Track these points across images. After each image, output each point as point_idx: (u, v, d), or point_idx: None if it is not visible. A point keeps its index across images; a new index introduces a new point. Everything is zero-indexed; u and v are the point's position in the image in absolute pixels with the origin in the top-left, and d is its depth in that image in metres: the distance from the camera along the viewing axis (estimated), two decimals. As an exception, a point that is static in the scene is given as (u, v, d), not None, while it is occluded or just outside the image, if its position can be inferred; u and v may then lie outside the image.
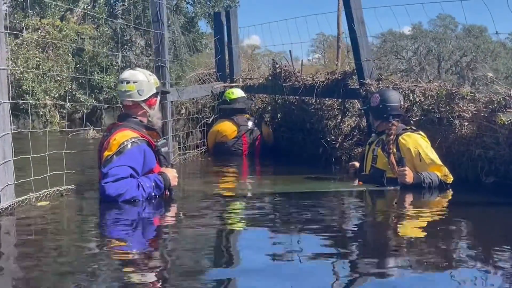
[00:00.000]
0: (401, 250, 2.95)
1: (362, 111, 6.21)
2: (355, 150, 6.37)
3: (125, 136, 3.91)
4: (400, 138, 4.57)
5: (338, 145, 6.44)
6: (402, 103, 4.80)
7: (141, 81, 4.15)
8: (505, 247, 3.00)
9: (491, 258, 2.76)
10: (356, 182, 4.88)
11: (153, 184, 3.92)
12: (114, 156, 3.83)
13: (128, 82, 4.14)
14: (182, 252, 2.87)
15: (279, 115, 7.51)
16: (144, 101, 4.15)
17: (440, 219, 3.76)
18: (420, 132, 4.64)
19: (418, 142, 4.53)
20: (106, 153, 3.88)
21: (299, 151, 6.90)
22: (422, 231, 3.40)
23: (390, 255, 2.87)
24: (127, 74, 4.22)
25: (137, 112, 4.16)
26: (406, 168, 4.44)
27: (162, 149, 4.14)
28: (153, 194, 3.92)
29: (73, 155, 4.78)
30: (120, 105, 4.36)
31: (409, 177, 4.41)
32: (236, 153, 7.06)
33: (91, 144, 9.25)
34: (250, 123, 7.16)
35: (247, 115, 7.28)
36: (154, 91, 4.21)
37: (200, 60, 11.20)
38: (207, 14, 22.11)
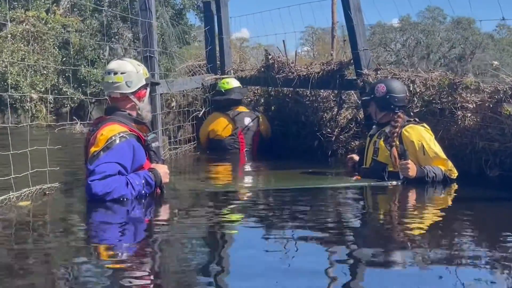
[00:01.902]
0: (402, 248, 2.81)
1: (359, 102, 6.01)
2: (352, 143, 6.18)
3: (112, 130, 3.66)
4: (403, 130, 4.37)
5: (334, 138, 6.23)
6: (407, 93, 4.60)
7: (129, 72, 3.89)
8: (511, 243, 2.89)
9: (497, 255, 2.62)
10: (354, 177, 4.65)
11: (143, 181, 3.68)
12: (101, 152, 3.58)
13: (115, 73, 3.88)
14: (173, 254, 2.70)
15: (272, 107, 7.27)
16: (133, 93, 3.89)
17: (443, 215, 3.58)
18: (424, 124, 4.44)
19: (422, 135, 4.33)
20: (92, 149, 3.62)
21: (293, 144, 6.66)
22: (424, 227, 3.23)
23: (391, 253, 2.72)
24: (114, 64, 3.97)
25: (126, 105, 3.91)
26: (409, 161, 4.24)
27: (153, 144, 3.88)
28: (143, 192, 3.68)
29: (58, 151, 4.53)
30: (107, 98, 4.09)
31: (412, 170, 4.21)
32: (233, 151, 6.73)
33: (78, 139, 8.96)
34: (247, 120, 6.79)
35: (244, 107, 6.95)
36: (144, 82, 3.95)
37: (191, 52, 10.92)
38: (195, 5, 21.79)
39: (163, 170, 3.85)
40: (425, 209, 3.76)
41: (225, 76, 7.45)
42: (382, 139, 4.44)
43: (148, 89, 4.06)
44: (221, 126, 6.77)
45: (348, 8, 5.57)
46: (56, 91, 15.77)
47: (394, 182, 4.27)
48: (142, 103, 3.97)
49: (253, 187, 4.70)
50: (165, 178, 3.85)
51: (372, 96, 4.57)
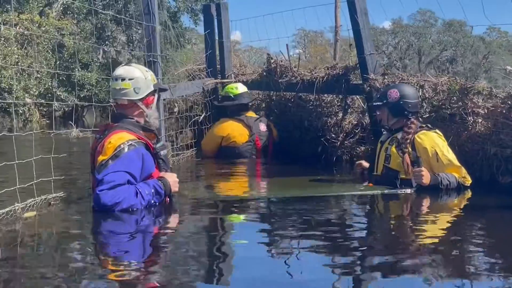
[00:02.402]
0: (412, 258, 2.71)
1: (365, 107, 5.93)
2: (357, 148, 6.08)
3: (121, 138, 3.54)
4: (416, 136, 4.29)
5: (338, 143, 6.14)
6: (419, 99, 4.52)
7: (137, 78, 3.77)
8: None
9: (509, 266, 2.57)
10: (365, 184, 4.57)
11: (153, 190, 3.56)
12: (110, 160, 3.46)
13: (123, 80, 3.76)
14: (180, 265, 2.61)
15: (274, 112, 7.16)
16: (141, 99, 3.78)
17: (455, 225, 3.51)
18: (437, 131, 4.36)
19: (435, 141, 4.24)
20: (100, 158, 3.50)
21: (296, 150, 6.56)
22: (435, 238, 3.16)
23: (401, 264, 2.61)
24: (121, 70, 3.84)
25: (133, 112, 3.79)
26: (423, 168, 4.15)
27: (161, 152, 3.76)
28: (152, 201, 3.56)
29: (57, 158, 4.40)
30: (113, 105, 3.97)
31: (426, 178, 4.12)
32: (249, 158, 6.45)
33: (75, 144, 8.84)
34: (262, 125, 6.60)
35: (252, 113, 6.79)
36: (152, 88, 3.84)
37: (186, 55, 10.80)
38: (189, 8, 21.69)
39: (172, 179, 3.74)
40: (436, 219, 3.68)
41: (227, 81, 7.33)
42: (394, 146, 4.35)
43: (156, 96, 3.95)
44: (237, 132, 6.53)
45: (355, 12, 5.48)
46: (49, 95, 15.60)
47: (408, 190, 4.18)
48: (150, 110, 3.85)
49: (270, 195, 4.56)
50: (174, 187, 3.74)
51: (384, 101, 4.47)
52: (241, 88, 6.77)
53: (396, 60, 43.39)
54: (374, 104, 4.61)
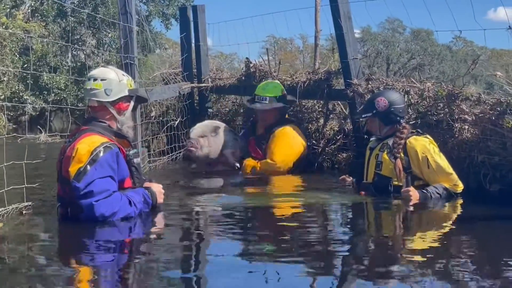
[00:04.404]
0: (395, 266, 2.66)
1: (348, 113, 5.80)
2: (339, 155, 5.94)
3: (94, 142, 3.34)
4: (407, 141, 4.20)
5: (320, 150, 5.99)
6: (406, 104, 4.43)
7: (110, 79, 3.57)
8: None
9: (498, 275, 2.52)
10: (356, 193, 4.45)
11: (142, 199, 3.45)
12: (88, 166, 3.26)
13: (95, 80, 3.57)
14: (159, 275, 2.49)
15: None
16: (111, 103, 3.56)
17: (441, 233, 3.43)
18: (427, 136, 4.27)
19: (426, 147, 4.15)
20: (76, 166, 3.27)
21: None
22: (420, 248, 3.06)
23: (388, 275, 2.53)
24: (96, 70, 3.69)
25: (104, 116, 3.59)
26: (411, 188, 4.09)
27: (134, 160, 3.57)
28: (142, 210, 3.45)
29: (22, 165, 4.16)
30: (88, 108, 3.74)
31: (414, 197, 4.06)
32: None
33: (43, 150, 8.54)
34: None
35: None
36: (126, 93, 3.62)
37: (165, 58, 10.57)
38: (161, 13, 21.41)
39: (157, 189, 3.63)
40: (423, 227, 3.65)
41: (203, 85, 7.14)
42: (385, 152, 4.23)
43: (132, 103, 3.71)
44: (303, 137, 5.75)
45: (338, 16, 5.35)
46: (16, 99, 15.16)
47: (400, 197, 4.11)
48: (122, 117, 3.63)
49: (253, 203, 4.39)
50: (160, 198, 3.62)
51: (374, 111, 4.33)
52: (281, 85, 5.81)
53: (364, 68, 43.77)
54: (363, 116, 4.43)
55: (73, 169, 3.27)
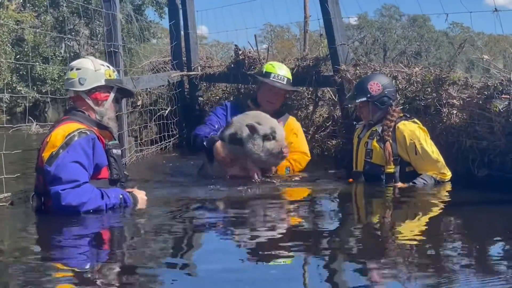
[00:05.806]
0: (389, 254, 2.64)
1: (337, 99, 5.74)
2: (328, 142, 5.90)
3: (70, 128, 3.28)
4: (396, 126, 4.16)
5: (309, 137, 5.94)
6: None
7: (85, 68, 3.49)
8: (501, 246, 2.79)
9: (487, 259, 2.54)
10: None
11: (121, 196, 3.35)
12: (60, 150, 3.19)
13: (72, 69, 3.52)
14: (145, 272, 2.41)
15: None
16: (85, 92, 3.48)
17: (430, 219, 3.38)
18: (416, 120, 4.23)
19: (415, 134, 4.10)
20: (49, 151, 3.22)
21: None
22: (409, 234, 3.05)
23: (378, 261, 2.50)
24: (75, 61, 3.63)
25: (82, 106, 3.50)
26: (398, 184, 4.10)
27: (114, 150, 3.47)
28: (117, 206, 3.34)
29: (15, 155, 4.11)
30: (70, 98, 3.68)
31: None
32: None
33: (35, 141, 8.48)
34: None
35: None
36: (102, 83, 3.50)
37: (151, 48, 10.48)
38: (154, 1, 21.27)
39: (141, 196, 3.55)
40: (411, 214, 3.60)
41: (193, 73, 7.07)
42: (375, 140, 4.18)
43: (112, 94, 3.59)
44: None
45: (326, 1, 5.27)
46: (9, 90, 15.08)
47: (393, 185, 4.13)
48: (101, 108, 3.52)
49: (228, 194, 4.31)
50: (142, 205, 3.51)
51: (368, 95, 4.22)
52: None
53: (362, 55, 43.65)
54: (357, 101, 4.30)
55: (46, 154, 3.22)
